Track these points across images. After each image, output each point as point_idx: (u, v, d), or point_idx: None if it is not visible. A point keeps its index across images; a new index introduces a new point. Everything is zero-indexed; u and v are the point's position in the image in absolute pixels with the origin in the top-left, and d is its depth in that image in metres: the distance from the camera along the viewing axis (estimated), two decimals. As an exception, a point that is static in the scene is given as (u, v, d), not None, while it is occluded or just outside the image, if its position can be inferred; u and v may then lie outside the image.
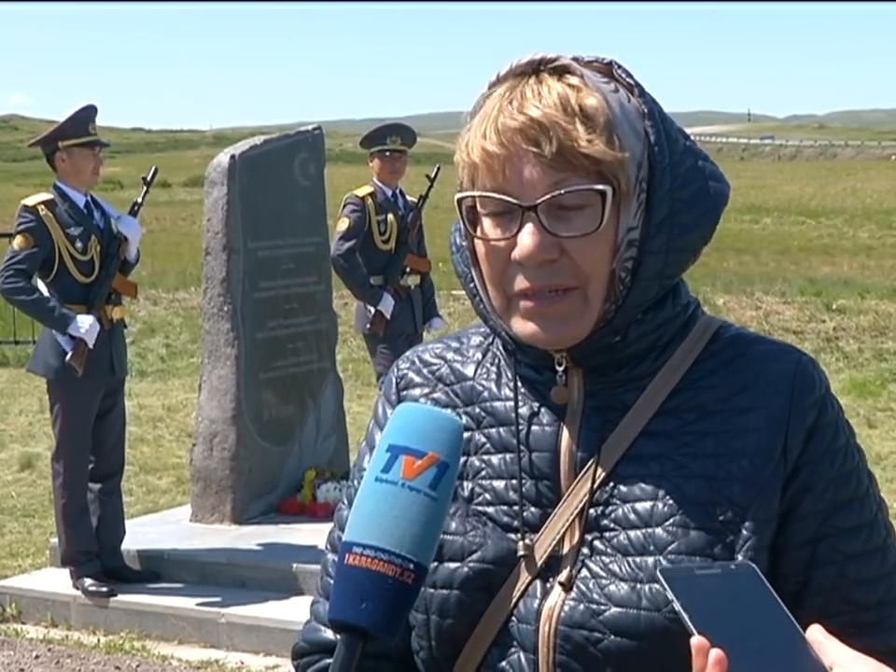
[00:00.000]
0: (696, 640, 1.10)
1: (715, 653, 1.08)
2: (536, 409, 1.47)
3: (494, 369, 1.53)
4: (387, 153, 8.27)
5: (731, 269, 20.65)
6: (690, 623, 1.12)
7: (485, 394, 1.51)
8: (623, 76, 1.44)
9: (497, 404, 1.50)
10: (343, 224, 8.08)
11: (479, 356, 1.55)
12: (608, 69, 1.45)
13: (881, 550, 1.42)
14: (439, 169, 8.78)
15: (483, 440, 1.49)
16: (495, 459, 1.47)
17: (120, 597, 6.53)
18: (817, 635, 1.13)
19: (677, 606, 1.14)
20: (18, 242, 6.44)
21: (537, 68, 1.41)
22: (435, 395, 1.54)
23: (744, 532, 1.37)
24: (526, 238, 1.37)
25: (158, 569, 6.80)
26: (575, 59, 1.43)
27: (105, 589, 6.53)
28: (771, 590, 1.17)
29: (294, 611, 6.14)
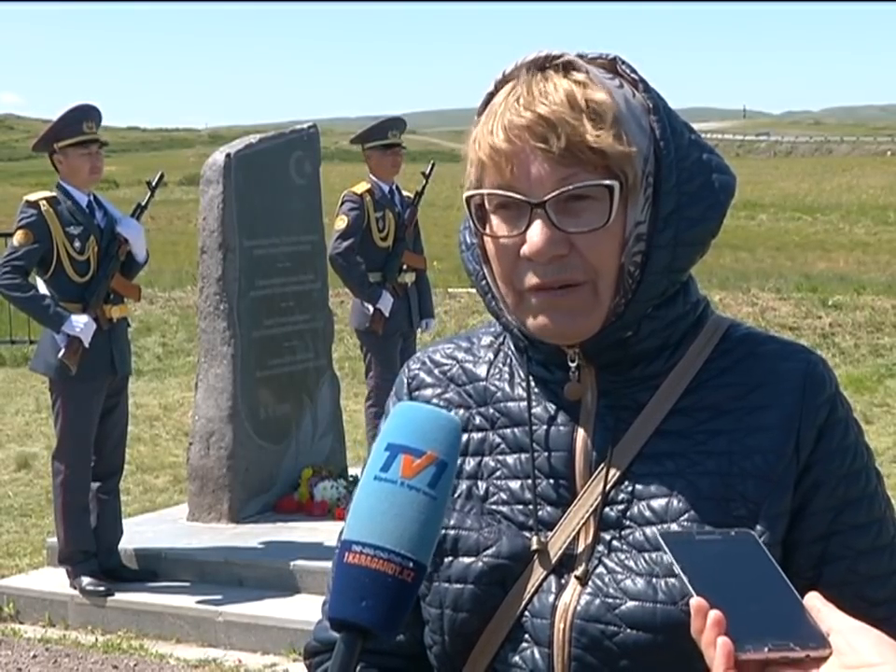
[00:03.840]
0: (696, 601, 1.11)
1: (714, 614, 1.10)
2: (550, 408, 1.48)
3: (506, 369, 1.54)
4: (389, 148, 8.26)
5: (727, 265, 20.66)
6: (689, 585, 1.13)
7: (499, 394, 1.52)
8: (628, 71, 1.45)
9: (511, 404, 1.51)
10: (342, 222, 8.07)
11: (490, 356, 1.56)
12: (612, 65, 1.46)
13: (890, 546, 1.44)
14: (433, 165, 8.78)
15: (498, 440, 1.50)
16: (510, 459, 1.49)
17: (118, 596, 6.53)
18: (815, 601, 1.14)
19: (677, 568, 1.16)
20: (18, 237, 6.44)
21: (542, 66, 1.42)
22: (447, 395, 1.55)
23: (757, 527, 1.38)
24: (536, 234, 1.38)
25: (155, 568, 6.80)
26: (579, 55, 1.44)
27: (102, 588, 6.53)
28: (770, 557, 1.19)
29: (292, 610, 6.15)
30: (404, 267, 8.32)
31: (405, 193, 8.45)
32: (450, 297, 14.55)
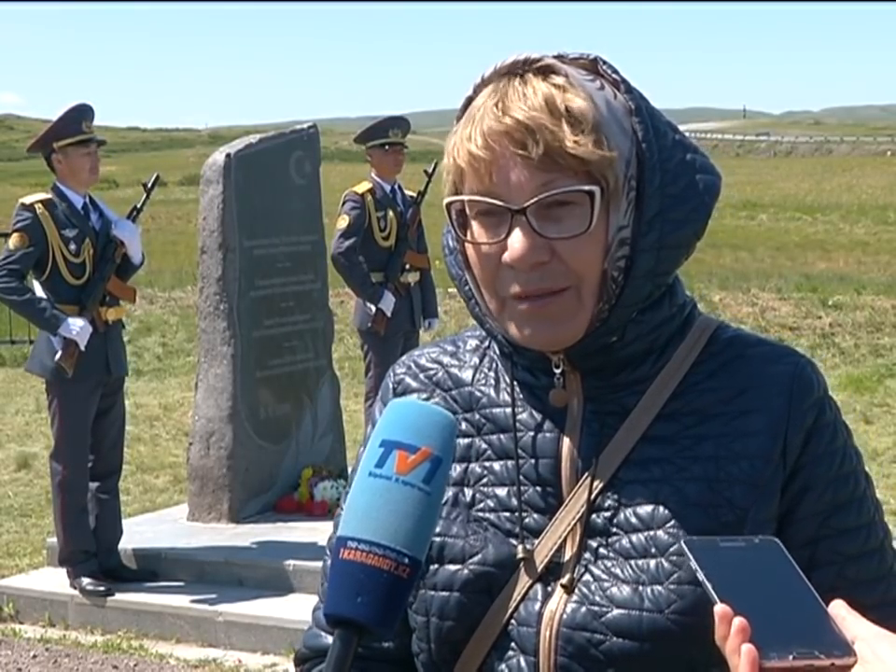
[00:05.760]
0: (720, 608, 1.10)
1: (739, 621, 1.08)
2: (536, 415, 1.47)
3: (492, 374, 1.52)
4: (389, 146, 8.26)
5: (727, 265, 20.66)
6: (713, 593, 1.12)
7: (484, 400, 1.51)
8: (609, 72, 1.43)
9: (497, 410, 1.49)
10: (343, 222, 8.07)
11: (476, 360, 1.55)
12: (593, 66, 1.44)
13: (879, 551, 1.43)
14: (436, 165, 8.77)
15: (485, 446, 1.48)
16: (496, 466, 1.47)
17: (118, 597, 6.53)
18: (840, 610, 1.13)
19: (700, 576, 1.14)
20: (14, 240, 6.44)
21: (521, 69, 1.40)
22: (433, 400, 1.53)
23: (744, 534, 1.36)
24: (516, 241, 1.36)
25: (155, 568, 6.80)
26: (560, 56, 1.42)
27: (102, 588, 6.53)
28: (794, 564, 1.18)
29: (292, 609, 6.15)
30: (407, 266, 8.31)
31: (408, 193, 8.45)
32: (450, 297, 14.53)
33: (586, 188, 1.35)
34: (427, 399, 1.54)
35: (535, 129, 1.34)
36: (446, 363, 1.56)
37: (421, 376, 1.57)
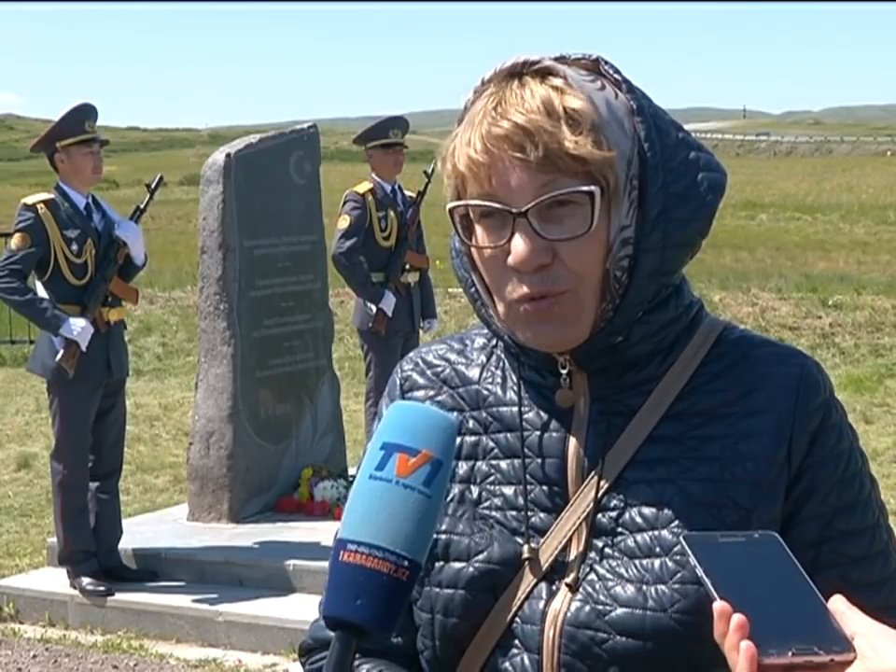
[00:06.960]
0: (719, 605, 1.10)
1: (737, 618, 1.08)
2: (542, 414, 1.47)
3: (499, 373, 1.53)
4: (389, 147, 8.26)
5: (727, 265, 20.66)
6: (712, 589, 1.12)
7: (491, 398, 1.51)
8: (611, 72, 1.43)
9: (504, 409, 1.50)
10: (344, 222, 8.07)
11: (483, 358, 1.55)
12: (594, 66, 1.44)
13: (883, 554, 1.43)
14: (436, 165, 8.77)
15: (492, 444, 1.49)
16: (503, 464, 1.48)
17: (118, 596, 6.53)
18: (839, 605, 1.13)
19: (699, 571, 1.14)
20: (15, 241, 6.44)
21: (519, 72, 1.40)
22: (440, 398, 1.54)
23: None
24: (519, 244, 1.36)
25: (155, 568, 6.80)
26: (562, 57, 1.43)
27: (102, 588, 6.53)
28: (794, 559, 1.17)
29: (292, 609, 6.15)
30: (407, 267, 8.32)
31: (407, 193, 8.45)
32: (450, 297, 14.53)
33: (585, 188, 1.35)
34: (434, 395, 1.54)
35: (533, 132, 1.35)
36: (454, 360, 1.57)
37: (428, 373, 1.57)
